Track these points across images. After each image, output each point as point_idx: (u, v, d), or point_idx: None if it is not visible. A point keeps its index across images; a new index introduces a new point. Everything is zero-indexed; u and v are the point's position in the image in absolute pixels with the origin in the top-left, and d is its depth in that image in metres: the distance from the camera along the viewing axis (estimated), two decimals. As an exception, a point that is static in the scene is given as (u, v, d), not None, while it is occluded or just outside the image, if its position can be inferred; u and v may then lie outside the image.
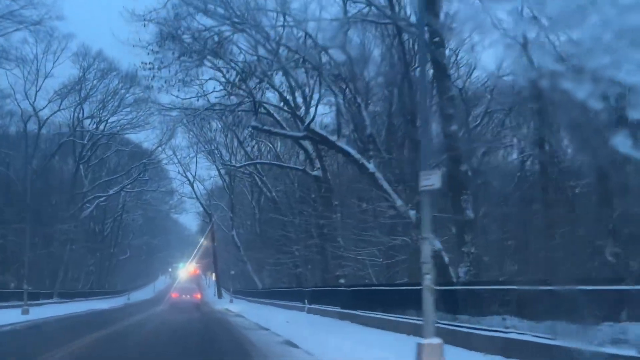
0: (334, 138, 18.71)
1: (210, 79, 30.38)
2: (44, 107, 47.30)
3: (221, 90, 30.40)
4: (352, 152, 19.00)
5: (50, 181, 53.06)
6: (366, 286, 22.52)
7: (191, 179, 60.83)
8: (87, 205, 57.41)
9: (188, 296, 48.87)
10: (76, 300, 48.99)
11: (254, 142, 50.28)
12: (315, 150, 33.44)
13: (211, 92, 30.54)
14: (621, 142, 6.57)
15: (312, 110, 21.08)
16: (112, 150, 58.75)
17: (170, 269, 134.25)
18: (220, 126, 55.49)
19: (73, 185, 53.37)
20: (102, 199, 57.70)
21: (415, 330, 14.45)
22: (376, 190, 23.11)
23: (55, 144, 54.94)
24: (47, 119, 48.02)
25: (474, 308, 13.14)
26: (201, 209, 74.62)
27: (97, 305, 44.28)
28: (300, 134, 21.45)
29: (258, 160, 44.29)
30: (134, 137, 58.81)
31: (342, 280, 33.47)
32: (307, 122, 18.53)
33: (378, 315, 17.60)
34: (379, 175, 19.06)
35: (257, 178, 50.74)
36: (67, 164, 58.44)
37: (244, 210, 64.56)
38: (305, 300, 29.22)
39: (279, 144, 48.98)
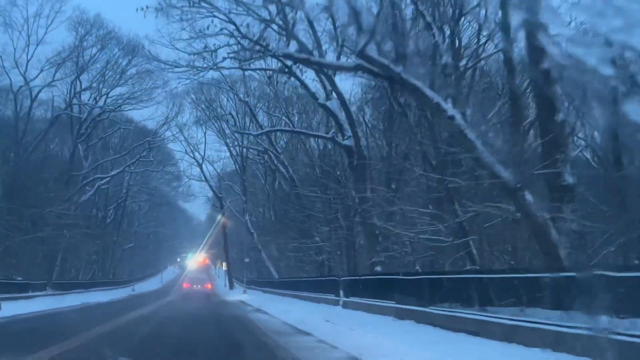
0: (398, 68, 13.21)
1: (221, 29, 25.25)
2: (35, 77, 42.00)
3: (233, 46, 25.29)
4: (424, 88, 13.54)
5: (46, 162, 47.95)
6: (449, 274, 16.98)
7: (200, 160, 55.54)
8: (87, 188, 52.25)
9: (199, 286, 50.23)
10: (74, 292, 43.82)
11: (270, 115, 44.99)
12: (347, 115, 27.99)
13: (222, 47, 25.49)
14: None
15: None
16: (114, 128, 53.51)
17: (178, 259, 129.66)
18: (231, 98, 50.53)
19: (71, 166, 48.12)
20: (103, 182, 52.45)
21: (558, 343, 9.13)
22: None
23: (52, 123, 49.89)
24: (40, 90, 42.73)
25: None
26: (210, 194, 69.64)
27: (96, 297, 39.12)
28: (351, 64, 15.95)
29: (278, 128, 38.78)
30: (138, 115, 53.51)
31: (378, 268, 28.18)
32: (361, 45, 13.02)
33: (468, 314, 12.18)
34: (461, 121, 13.61)
35: (272, 156, 45.35)
36: (66, 144, 53.20)
37: (256, 195, 59.33)
38: (341, 292, 23.84)
39: (296, 118, 43.57)
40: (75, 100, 45.47)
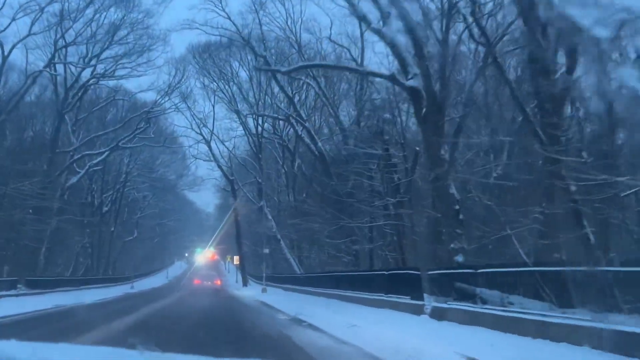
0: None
1: None
2: (5, 28, 33.73)
3: None
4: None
5: (22, 135, 39.96)
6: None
7: (207, 136, 47.25)
8: (78, 170, 44.14)
9: (209, 282, 49.05)
10: (57, 290, 35.73)
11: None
12: (414, 45, 19.57)
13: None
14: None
15: None
16: (107, 99, 45.29)
17: (186, 254, 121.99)
18: (244, 63, 42.31)
19: (54, 142, 39.96)
20: (95, 162, 44.22)
21: None
22: None
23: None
24: (14, 47, 34.39)
25: None
26: (220, 182, 61.49)
27: (81, 297, 30.74)
28: None
29: (315, 62, 30.47)
30: (136, 86, 45.12)
31: (458, 258, 19.88)
32: None
33: None
34: None
35: (294, 125, 37.11)
36: (50, 119, 45.16)
37: (272, 180, 51.09)
38: (424, 296, 15.47)
39: (322, 81, 35.28)
40: (58, 59, 37.11)
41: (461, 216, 20.01)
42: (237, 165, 50.76)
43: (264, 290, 35.35)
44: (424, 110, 20.06)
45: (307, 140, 35.95)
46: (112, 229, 55.41)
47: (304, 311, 17.55)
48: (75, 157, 40.51)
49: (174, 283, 67.66)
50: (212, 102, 45.77)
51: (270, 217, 43.96)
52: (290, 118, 36.47)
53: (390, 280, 18.76)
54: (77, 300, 27.93)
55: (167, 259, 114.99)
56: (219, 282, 55.73)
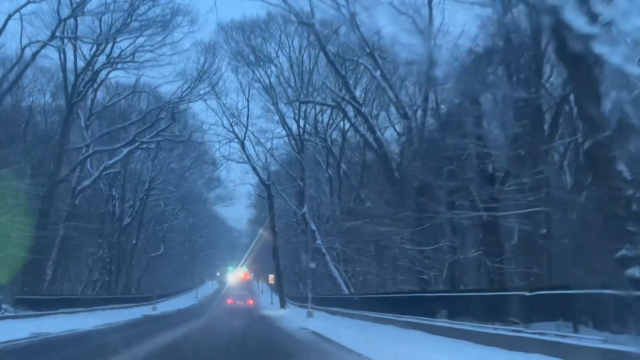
0: None
1: None
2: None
3: None
4: None
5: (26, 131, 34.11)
6: None
7: (241, 135, 40.67)
8: (91, 171, 38.06)
9: (242, 302, 47.20)
10: (57, 312, 29.24)
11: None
12: None
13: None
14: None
15: None
16: (126, 93, 39.22)
17: (218, 273, 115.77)
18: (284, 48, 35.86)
19: (63, 138, 33.90)
20: (110, 163, 38.01)
21: None
22: None
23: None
24: (8, 19, 28.42)
25: None
26: (254, 190, 54.92)
27: (79, 323, 24.18)
28: None
29: None
30: (159, 78, 38.77)
31: (634, 272, 12.60)
32: None
33: None
34: None
35: (346, 112, 30.26)
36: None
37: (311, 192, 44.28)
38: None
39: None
40: (66, 33, 31.02)
41: (635, 206, 12.79)
42: (273, 170, 44.03)
43: (309, 315, 28.26)
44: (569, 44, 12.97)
45: (363, 130, 29.07)
46: (134, 241, 49.08)
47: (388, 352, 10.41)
48: (86, 154, 34.21)
49: (203, 304, 61.04)
50: (247, 96, 39.30)
51: (313, 226, 36.99)
52: (342, 104, 29.67)
53: (535, 304, 11.51)
54: (72, 327, 21.33)
55: (197, 278, 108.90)
56: (251, 302, 51.77)
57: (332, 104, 31.04)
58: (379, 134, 27.89)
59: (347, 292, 36.32)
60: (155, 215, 59.62)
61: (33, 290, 32.11)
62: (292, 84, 35.49)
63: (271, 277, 64.03)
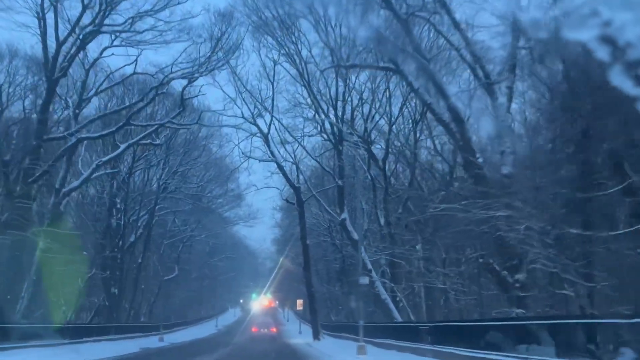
0: None
1: None
2: None
3: None
4: None
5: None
6: None
7: (264, 128, 32.94)
8: (84, 174, 30.56)
9: (265, 330, 44.93)
10: (27, 345, 21.57)
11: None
12: None
13: None
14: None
15: None
16: (125, 75, 31.84)
17: (241, 300, 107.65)
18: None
19: (41, 125, 26.54)
20: (104, 160, 30.48)
21: None
22: None
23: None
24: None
25: None
26: (279, 195, 46.98)
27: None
28: None
29: None
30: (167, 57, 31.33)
31: None
32: None
33: None
34: None
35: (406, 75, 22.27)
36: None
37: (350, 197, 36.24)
38: None
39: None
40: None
41: None
42: (303, 173, 36.08)
43: (361, 351, 19.80)
44: None
45: (427, 97, 21.03)
46: (140, 260, 41.31)
47: None
48: (69, 144, 26.67)
49: (222, 334, 52.78)
50: (271, 79, 31.73)
51: (356, 235, 28.84)
52: (400, 63, 21.73)
53: None
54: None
55: (219, 304, 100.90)
56: (274, 330, 47.75)
57: (387, 66, 23.14)
58: (451, 101, 19.82)
59: (399, 318, 28.00)
60: (168, 231, 51.99)
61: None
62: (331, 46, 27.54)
63: (299, 302, 55.93)
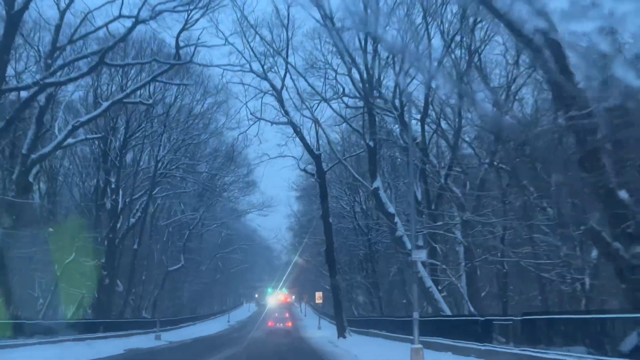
0: None
1: None
2: None
3: None
4: None
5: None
6: None
7: (277, 84, 26.94)
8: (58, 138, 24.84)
9: (281, 324, 42.75)
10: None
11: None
12: None
13: None
14: None
15: None
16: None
17: (256, 295, 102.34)
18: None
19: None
20: (83, 121, 24.61)
21: None
22: None
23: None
24: None
25: None
26: (295, 196, 41.24)
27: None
28: None
29: None
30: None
31: None
32: None
33: None
34: None
35: None
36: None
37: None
38: None
39: None
40: None
41: None
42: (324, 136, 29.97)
43: (417, 357, 13.72)
44: None
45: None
46: (135, 246, 35.61)
47: None
48: (31, 92, 20.88)
49: (234, 331, 47.08)
50: (285, 24, 25.78)
51: (391, 207, 22.83)
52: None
53: None
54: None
55: (232, 299, 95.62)
56: (289, 324, 44.64)
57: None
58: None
59: (448, 311, 21.98)
60: (172, 216, 46.42)
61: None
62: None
63: (318, 295, 50.04)
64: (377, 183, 23.10)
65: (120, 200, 34.77)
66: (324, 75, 26.71)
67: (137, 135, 34.22)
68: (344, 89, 27.09)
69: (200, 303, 69.22)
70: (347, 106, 28.16)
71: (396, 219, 22.76)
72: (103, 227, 34.49)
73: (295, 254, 61.12)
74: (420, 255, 13.92)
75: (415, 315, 13.60)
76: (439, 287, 24.00)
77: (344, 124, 29.92)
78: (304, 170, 30.33)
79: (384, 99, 26.75)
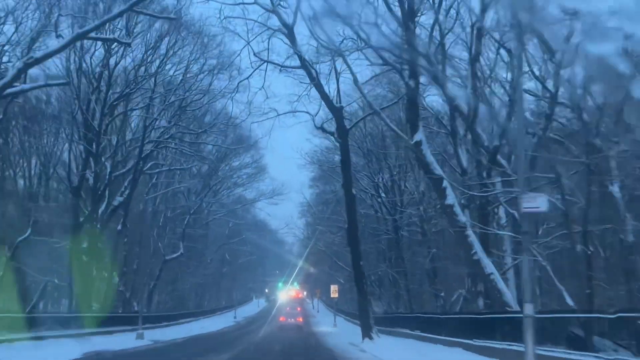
0: None
1: None
2: None
3: None
4: None
5: None
6: None
7: (289, 19, 20.98)
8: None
9: (292, 320, 40.06)
10: None
11: None
12: None
13: None
14: None
15: None
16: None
17: (267, 290, 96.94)
18: None
19: None
20: (34, 58, 18.88)
21: None
22: None
23: None
24: None
25: None
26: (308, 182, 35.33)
27: None
28: None
29: None
30: None
31: None
32: None
33: None
34: None
35: None
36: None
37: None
38: None
39: None
40: None
41: None
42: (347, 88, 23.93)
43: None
44: None
45: None
46: (119, 226, 29.83)
47: None
48: None
49: (240, 328, 41.29)
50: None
51: (439, 169, 16.84)
52: None
53: None
54: None
55: (241, 294, 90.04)
56: (300, 319, 41.67)
57: None
58: None
59: (516, 307, 15.95)
60: (170, 199, 40.76)
61: None
62: None
63: (333, 288, 44.04)
64: (419, 136, 17.07)
65: (107, 176, 29.18)
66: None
67: (123, 95, 28.45)
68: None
69: (206, 297, 63.59)
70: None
71: (445, 184, 16.76)
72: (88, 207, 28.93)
73: (307, 246, 55.59)
74: (537, 204, 7.92)
75: (528, 309, 7.60)
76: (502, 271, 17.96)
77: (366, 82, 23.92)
78: (322, 128, 24.13)
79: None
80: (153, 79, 28.48)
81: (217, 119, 32.23)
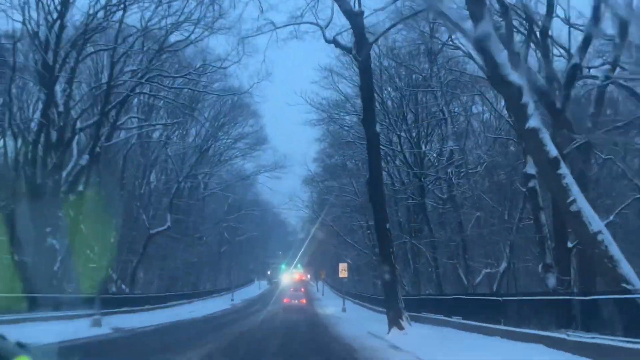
0: None
1: None
2: None
3: None
4: None
5: None
6: None
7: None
8: None
9: (296, 301, 38.53)
10: None
11: None
12: None
13: None
14: None
15: None
16: None
17: (269, 272, 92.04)
18: None
19: None
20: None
21: None
22: None
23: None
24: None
25: None
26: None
27: None
28: None
29: None
30: None
31: None
32: None
33: None
34: None
35: None
36: None
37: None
38: None
39: None
40: None
41: None
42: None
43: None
44: None
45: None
46: (81, 188, 23.91)
47: None
48: None
49: (235, 312, 35.66)
50: None
51: (515, 75, 11.05)
52: None
53: None
54: None
55: (242, 275, 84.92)
56: (304, 301, 39.91)
57: None
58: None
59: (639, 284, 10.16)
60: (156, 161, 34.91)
61: None
62: None
63: (342, 267, 38.21)
64: (486, 26, 11.16)
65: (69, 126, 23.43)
66: None
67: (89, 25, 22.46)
68: None
69: (202, 279, 58.00)
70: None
71: (525, 98, 10.87)
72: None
73: (312, 224, 50.36)
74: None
75: None
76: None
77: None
78: (335, 42, 17.82)
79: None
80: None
81: (206, 61, 26.11)
